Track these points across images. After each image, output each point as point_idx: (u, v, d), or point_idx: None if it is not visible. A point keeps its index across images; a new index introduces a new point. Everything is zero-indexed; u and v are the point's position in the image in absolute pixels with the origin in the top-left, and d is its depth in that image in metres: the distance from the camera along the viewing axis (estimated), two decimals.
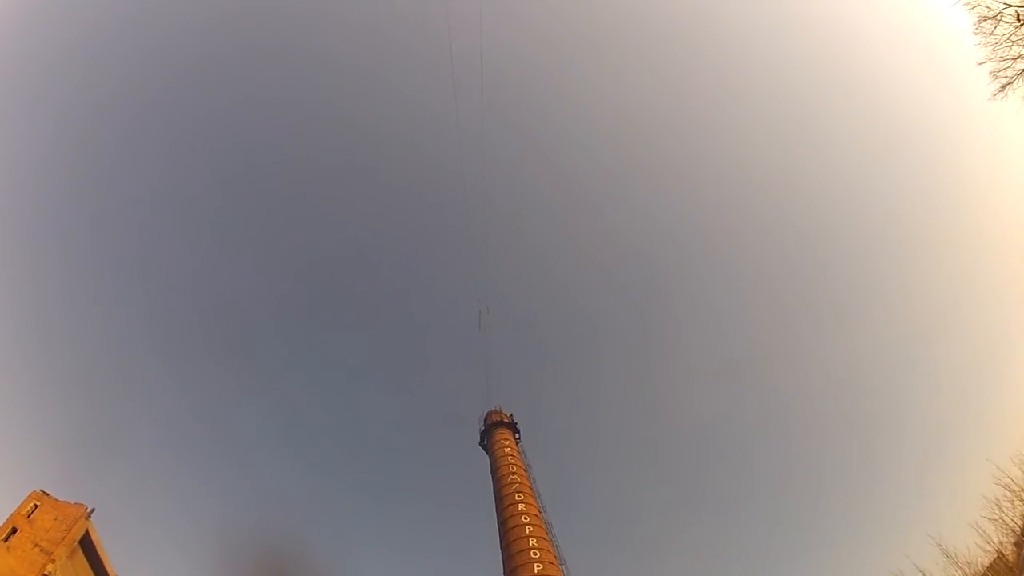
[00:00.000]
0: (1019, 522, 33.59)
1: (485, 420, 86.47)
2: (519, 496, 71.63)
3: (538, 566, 62.31)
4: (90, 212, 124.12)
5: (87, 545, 36.58)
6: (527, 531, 66.95)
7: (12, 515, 32.99)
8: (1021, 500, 33.96)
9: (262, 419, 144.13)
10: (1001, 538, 34.60)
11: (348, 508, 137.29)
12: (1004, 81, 29.96)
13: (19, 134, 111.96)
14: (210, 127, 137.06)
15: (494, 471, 77.46)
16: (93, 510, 37.85)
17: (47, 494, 35.65)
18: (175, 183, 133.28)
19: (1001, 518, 34.48)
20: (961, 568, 35.43)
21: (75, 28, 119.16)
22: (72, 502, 37.05)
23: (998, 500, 34.94)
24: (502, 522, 69.93)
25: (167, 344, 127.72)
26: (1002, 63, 29.88)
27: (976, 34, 30.41)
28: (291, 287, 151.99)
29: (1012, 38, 29.35)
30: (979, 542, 35.42)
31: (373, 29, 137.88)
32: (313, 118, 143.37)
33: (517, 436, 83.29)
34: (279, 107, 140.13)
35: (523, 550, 65.04)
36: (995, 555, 34.53)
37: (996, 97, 30.48)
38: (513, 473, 75.27)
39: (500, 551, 67.61)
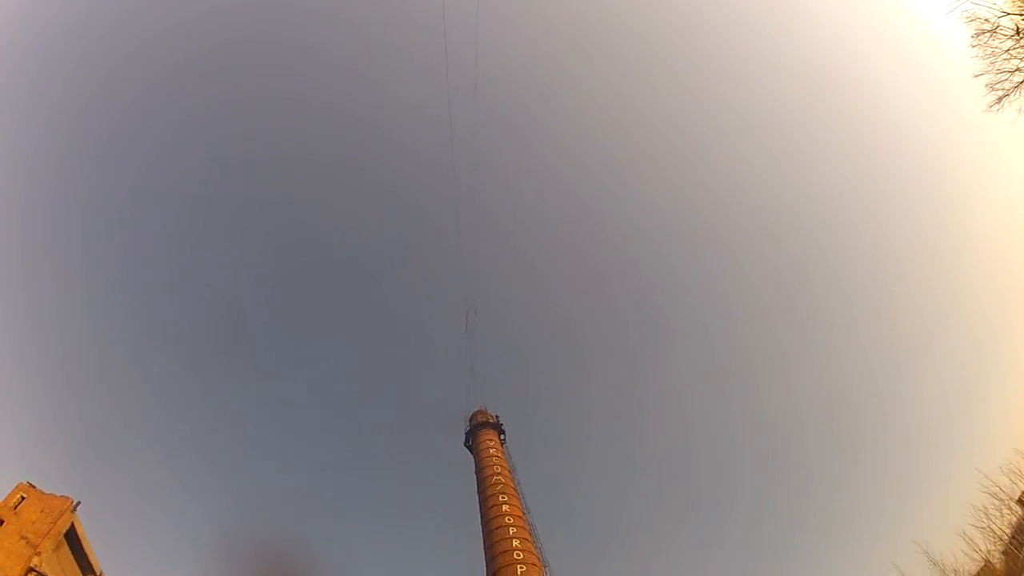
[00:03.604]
0: (1007, 530, 33.82)
1: (470, 420, 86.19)
2: (503, 497, 71.46)
3: (521, 567, 62.25)
4: (85, 210, 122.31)
5: (72, 538, 35.86)
6: (511, 532, 66.85)
7: None
8: (1009, 509, 34.19)
9: (251, 419, 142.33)
10: (988, 546, 34.78)
11: (334, 506, 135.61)
12: (1000, 93, 30.06)
13: (13, 134, 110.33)
14: (202, 127, 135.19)
15: (478, 472, 77.28)
16: (79, 503, 37.16)
17: (33, 486, 34.89)
18: (167, 183, 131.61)
19: (989, 526, 34.63)
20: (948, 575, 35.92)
21: (66, 26, 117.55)
22: (58, 495, 36.32)
23: (986, 508, 35.22)
24: (486, 523, 69.74)
25: (158, 343, 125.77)
26: (999, 75, 29.96)
27: (973, 47, 30.40)
28: (282, 287, 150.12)
29: (1010, 51, 29.44)
30: (966, 550, 35.65)
31: (367, 28, 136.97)
32: (303, 118, 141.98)
33: (502, 437, 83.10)
34: (270, 106, 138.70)
35: (506, 551, 64.92)
36: (982, 563, 34.79)
37: (992, 109, 30.57)
38: (497, 474, 75.08)
39: (483, 552, 67.48)
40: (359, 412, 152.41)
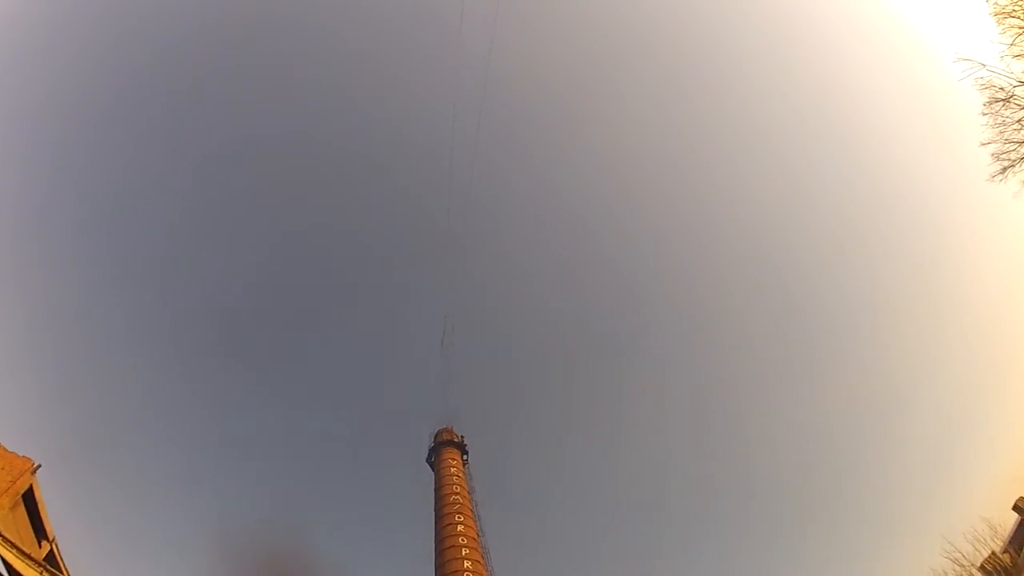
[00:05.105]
0: None
1: (435, 437, 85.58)
2: (459, 517, 71.07)
3: None
4: (86, 207, 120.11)
5: (30, 501, 34.72)
6: (463, 553, 66.49)
7: None
8: (969, 575, 34.99)
9: (245, 418, 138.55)
10: None
11: (317, 505, 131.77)
12: (1006, 164, 30.21)
13: (12, 131, 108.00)
14: (201, 120, 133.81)
15: (437, 489, 76.76)
16: (39, 466, 36.09)
17: None
18: (162, 179, 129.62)
19: None
20: None
21: (59, 22, 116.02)
22: (20, 454, 35.32)
23: (946, 574, 35.86)
24: (439, 541, 69.29)
25: (153, 342, 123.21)
26: (1006, 146, 30.08)
27: (985, 114, 30.36)
28: (281, 285, 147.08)
29: (1021, 121, 29.60)
30: None
31: (377, 22, 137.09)
32: (306, 115, 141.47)
33: (465, 457, 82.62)
34: (270, 102, 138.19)
35: (456, 571, 64.46)
36: None
37: (995, 179, 30.59)
38: (456, 494, 74.65)
39: (434, 570, 66.78)
40: (344, 413, 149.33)
